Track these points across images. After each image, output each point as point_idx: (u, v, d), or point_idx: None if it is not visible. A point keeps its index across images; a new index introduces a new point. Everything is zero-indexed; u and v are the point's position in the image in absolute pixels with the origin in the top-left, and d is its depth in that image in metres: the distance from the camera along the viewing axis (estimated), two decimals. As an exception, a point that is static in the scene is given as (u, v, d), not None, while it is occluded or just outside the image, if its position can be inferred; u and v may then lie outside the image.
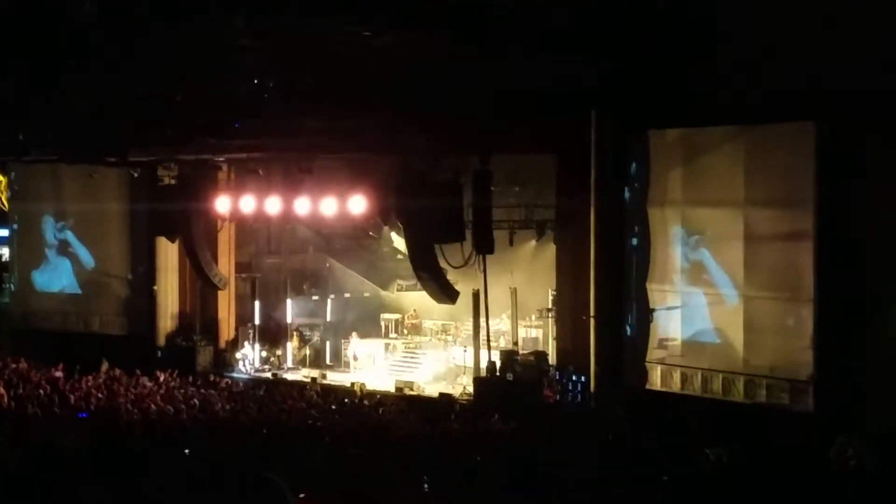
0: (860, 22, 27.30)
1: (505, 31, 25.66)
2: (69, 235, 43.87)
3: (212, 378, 37.55)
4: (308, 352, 41.80)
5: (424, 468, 21.08)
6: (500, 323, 39.12)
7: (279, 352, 41.50)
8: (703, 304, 31.50)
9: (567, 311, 34.65)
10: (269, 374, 39.73)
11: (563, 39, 27.36)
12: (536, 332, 38.57)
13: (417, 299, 41.40)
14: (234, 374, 39.74)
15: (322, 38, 24.15)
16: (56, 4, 19.08)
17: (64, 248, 44.03)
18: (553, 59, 28.72)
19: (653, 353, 32.54)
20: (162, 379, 35.71)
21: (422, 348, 40.86)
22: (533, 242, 38.53)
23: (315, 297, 44.01)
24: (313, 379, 38.23)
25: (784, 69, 28.38)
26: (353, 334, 41.05)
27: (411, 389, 36.61)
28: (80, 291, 43.64)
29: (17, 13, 20.98)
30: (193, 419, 29.29)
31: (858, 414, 27.98)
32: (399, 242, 40.41)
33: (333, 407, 33.03)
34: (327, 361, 41.15)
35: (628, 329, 33.14)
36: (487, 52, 27.61)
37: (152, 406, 30.70)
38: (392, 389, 36.66)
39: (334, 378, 38.79)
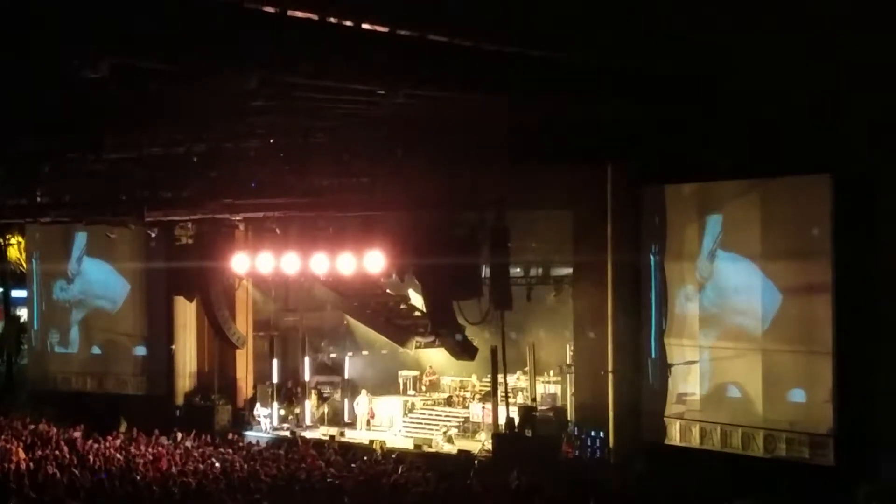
0: (879, 73, 27.30)
1: (517, 85, 25.67)
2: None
3: (230, 437, 37.50)
4: (326, 409, 41.68)
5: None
6: (518, 379, 39.02)
7: (297, 410, 41.41)
8: (722, 359, 31.36)
9: (585, 367, 34.52)
10: (287, 433, 39.58)
11: (579, 92, 27.39)
12: (555, 388, 38.40)
13: (435, 356, 41.33)
14: (253, 433, 39.66)
15: (335, 96, 24.25)
16: (70, 67, 19.19)
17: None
18: (569, 112, 28.77)
19: (671, 408, 32.43)
20: (180, 438, 35.69)
21: (440, 405, 40.74)
22: (551, 298, 38.47)
23: (333, 355, 43.95)
24: (332, 437, 38.06)
25: (800, 121, 28.40)
26: (363, 391, 41.00)
27: (430, 446, 36.49)
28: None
29: (34, 76, 21.12)
30: (212, 479, 29.22)
31: (880, 466, 27.79)
32: (416, 299, 40.35)
33: (353, 465, 32.89)
34: (346, 419, 41.01)
35: (647, 384, 33.01)
36: (503, 107, 27.67)
37: (171, 466, 30.67)
38: (411, 446, 36.53)
39: (353, 436, 38.68)
